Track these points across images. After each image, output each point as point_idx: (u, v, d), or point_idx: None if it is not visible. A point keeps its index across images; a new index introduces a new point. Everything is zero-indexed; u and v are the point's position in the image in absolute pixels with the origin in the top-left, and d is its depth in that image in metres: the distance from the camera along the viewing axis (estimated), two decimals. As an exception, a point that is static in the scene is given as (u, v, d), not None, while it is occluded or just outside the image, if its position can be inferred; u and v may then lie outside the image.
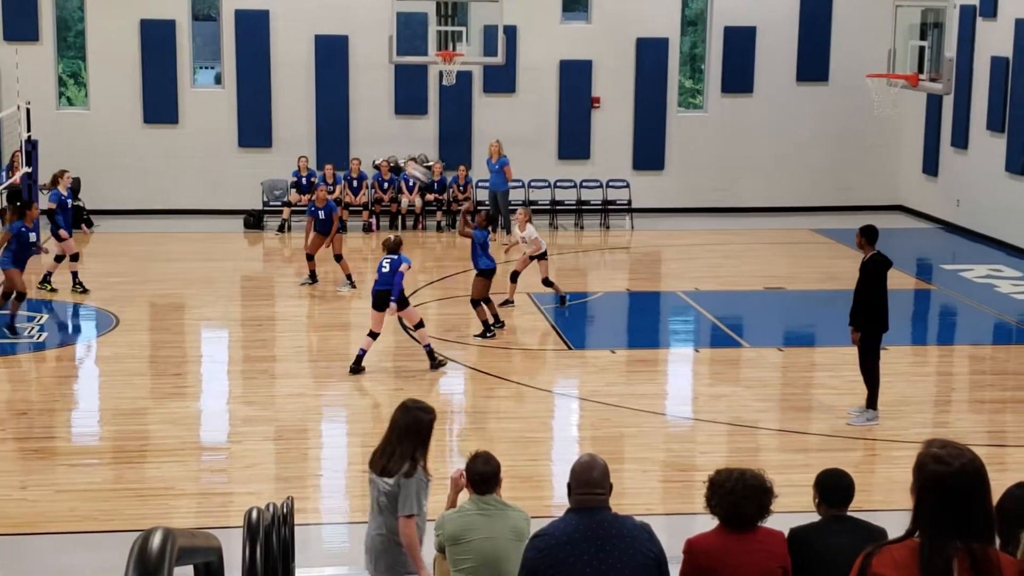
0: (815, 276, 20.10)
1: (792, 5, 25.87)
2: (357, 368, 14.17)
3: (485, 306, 15.85)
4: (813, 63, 26.08)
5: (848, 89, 25.34)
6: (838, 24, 25.92)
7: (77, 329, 16.87)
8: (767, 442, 12.32)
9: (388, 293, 14.25)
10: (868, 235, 12.51)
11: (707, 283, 19.35)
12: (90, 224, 23.43)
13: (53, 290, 17.88)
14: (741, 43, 25.91)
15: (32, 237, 16.22)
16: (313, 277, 18.83)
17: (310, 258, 18.79)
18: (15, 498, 10.34)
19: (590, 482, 5.61)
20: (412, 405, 6.99)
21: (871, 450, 12.10)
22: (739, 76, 26.01)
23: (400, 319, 15.37)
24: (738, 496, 5.66)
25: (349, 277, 18.64)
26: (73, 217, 23.65)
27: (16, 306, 15.57)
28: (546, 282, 17.32)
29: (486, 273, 15.79)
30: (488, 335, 15.74)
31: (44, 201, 22.52)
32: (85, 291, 17.85)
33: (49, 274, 18.14)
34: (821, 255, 21.85)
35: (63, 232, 18.20)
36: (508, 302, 17.29)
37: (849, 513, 6.18)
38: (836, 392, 13.66)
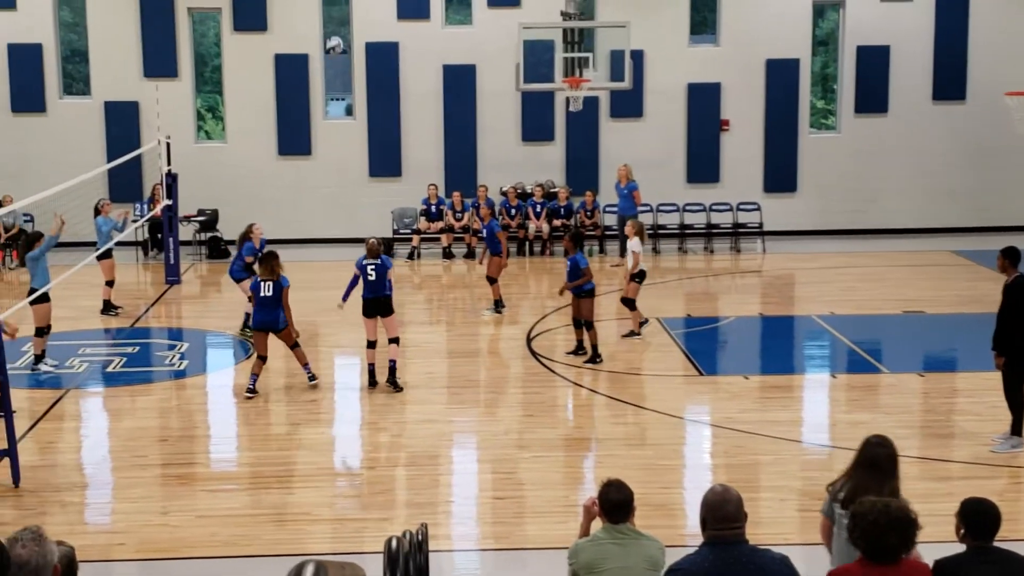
0: (956, 299, 19.60)
1: (927, 23, 25.39)
2: (393, 382, 14.63)
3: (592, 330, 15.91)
4: (949, 81, 25.55)
5: (986, 107, 24.79)
6: (975, 41, 25.36)
7: (216, 357, 17.21)
8: (908, 470, 11.89)
9: (386, 300, 14.68)
10: (1011, 257, 12.14)
11: (843, 307, 19.00)
12: (226, 255, 23.96)
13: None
14: (874, 62, 25.51)
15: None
16: (498, 305, 18.91)
17: (491, 281, 18.88)
18: (157, 523, 10.55)
19: (726, 516, 5.50)
20: (880, 440, 6.94)
21: (1016, 478, 11.71)
22: (873, 96, 25.62)
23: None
24: (881, 528, 5.49)
25: (497, 302, 18.73)
26: (213, 249, 24.27)
27: (301, 354, 15.02)
28: (630, 304, 17.10)
29: (589, 293, 15.88)
30: (597, 360, 15.75)
31: (190, 233, 23.11)
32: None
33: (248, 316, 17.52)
34: (961, 277, 21.31)
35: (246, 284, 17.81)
36: (633, 334, 17.13)
37: (995, 544, 5.97)
38: (979, 419, 13.26)
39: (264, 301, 14.50)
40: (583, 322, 15.96)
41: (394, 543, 6.15)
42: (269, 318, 14.51)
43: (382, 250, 14.91)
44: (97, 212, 19.25)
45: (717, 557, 5.39)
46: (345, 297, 15.03)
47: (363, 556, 9.68)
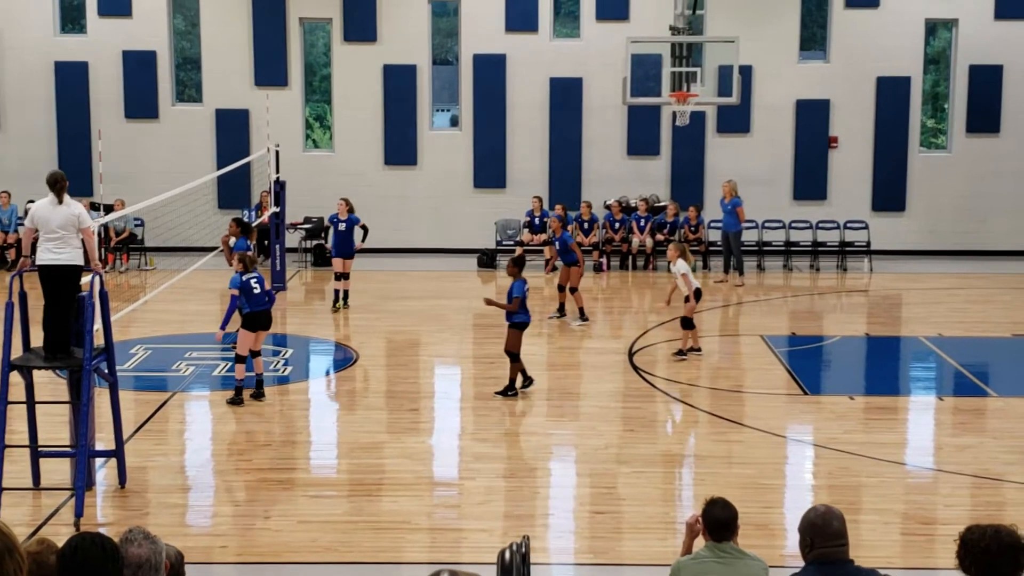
0: (1068, 323, 19.14)
1: (1043, 41, 24.87)
2: (238, 400, 14.40)
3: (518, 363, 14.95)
4: (1066, 101, 25.00)
5: (1104, 127, 24.18)
6: (1093, 59, 24.79)
7: (319, 364, 17.42)
8: (1015, 496, 11.73)
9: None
10: None
11: (951, 329, 18.66)
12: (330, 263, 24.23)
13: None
14: (987, 81, 25.05)
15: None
16: (561, 311, 19.27)
17: (560, 289, 19.24)
18: (260, 527, 10.68)
19: (835, 533, 5.45)
20: None
21: None
22: (985, 115, 25.15)
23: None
24: (993, 554, 5.36)
25: (582, 311, 18.86)
26: (319, 256, 24.57)
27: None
28: (685, 322, 16.67)
29: (518, 326, 14.87)
30: (510, 393, 14.79)
31: (293, 240, 23.46)
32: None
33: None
34: (1074, 301, 20.80)
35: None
36: (693, 350, 16.72)
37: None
38: (1092, 446, 12.92)
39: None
40: (508, 352, 14.90)
41: (507, 555, 6.17)
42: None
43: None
44: None
45: (827, 577, 5.33)
46: (224, 324, 14.42)
47: (461, 567, 9.70)
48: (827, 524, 5.48)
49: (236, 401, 14.43)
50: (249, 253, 15.08)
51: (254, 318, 14.45)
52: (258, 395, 14.61)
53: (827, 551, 5.43)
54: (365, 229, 20.11)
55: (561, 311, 19.33)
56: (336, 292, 20.03)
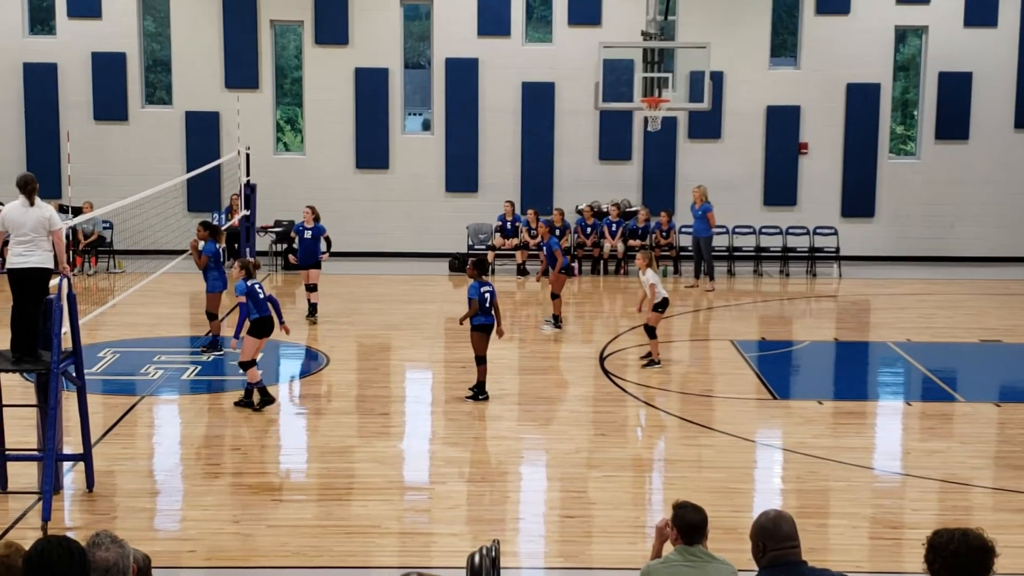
0: (1034, 329, 19.29)
1: (1010, 49, 25.09)
2: (267, 401, 14.36)
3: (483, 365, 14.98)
4: (1033, 109, 25.21)
5: (1071, 135, 24.39)
6: (1061, 68, 25.00)
7: (289, 368, 17.36)
8: (982, 501, 11.81)
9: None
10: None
11: (919, 334, 18.77)
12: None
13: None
14: (956, 89, 25.24)
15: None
16: (556, 320, 19.07)
17: (554, 296, 19.06)
18: (229, 532, 10.63)
19: (785, 536, 5.53)
20: None
21: (1097, 513, 11.45)
22: (954, 122, 25.35)
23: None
24: (962, 558, 5.40)
25: (557, 318, 18.82)
26: (285, 261, 24.48)
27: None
28: (649, 331, 16.61)
29: (481, 328, 14.92)
30: (481, 397, 14.87)
31: (264, 243, 23.38)
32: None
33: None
34: (1041, 307, 20.96)
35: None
36: (653, 363, 16.60)
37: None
38: (1058, 451, 13.01)
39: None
40: (477, 357, 14.93)
41: (476, 558, 6.16)
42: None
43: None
44: None
45: (784, 578, 5.37)
46: (238, 333, 14.47)
47: (431, 571, 9.68)
48: (777, 528, 5.53)
49: (255, 403, 14.36)
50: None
51: (262, 324, 14.45)
52: (245, 404, 14.50)
53: (779, 553, 5.48)
54: (328, 241, 19.63)
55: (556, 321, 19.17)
56: (310, 303, 19.60)
